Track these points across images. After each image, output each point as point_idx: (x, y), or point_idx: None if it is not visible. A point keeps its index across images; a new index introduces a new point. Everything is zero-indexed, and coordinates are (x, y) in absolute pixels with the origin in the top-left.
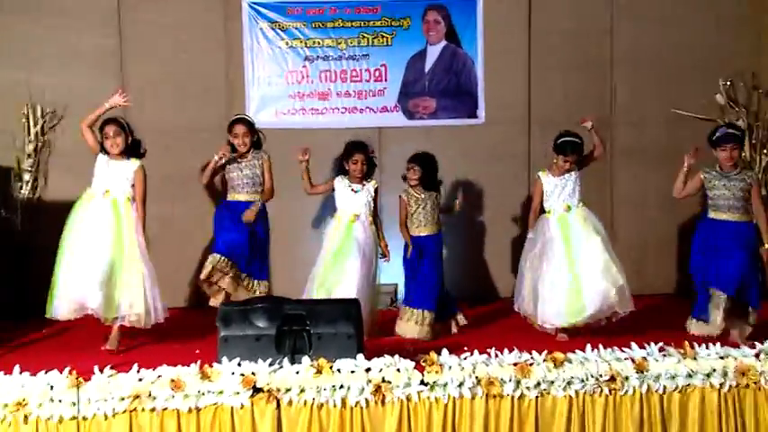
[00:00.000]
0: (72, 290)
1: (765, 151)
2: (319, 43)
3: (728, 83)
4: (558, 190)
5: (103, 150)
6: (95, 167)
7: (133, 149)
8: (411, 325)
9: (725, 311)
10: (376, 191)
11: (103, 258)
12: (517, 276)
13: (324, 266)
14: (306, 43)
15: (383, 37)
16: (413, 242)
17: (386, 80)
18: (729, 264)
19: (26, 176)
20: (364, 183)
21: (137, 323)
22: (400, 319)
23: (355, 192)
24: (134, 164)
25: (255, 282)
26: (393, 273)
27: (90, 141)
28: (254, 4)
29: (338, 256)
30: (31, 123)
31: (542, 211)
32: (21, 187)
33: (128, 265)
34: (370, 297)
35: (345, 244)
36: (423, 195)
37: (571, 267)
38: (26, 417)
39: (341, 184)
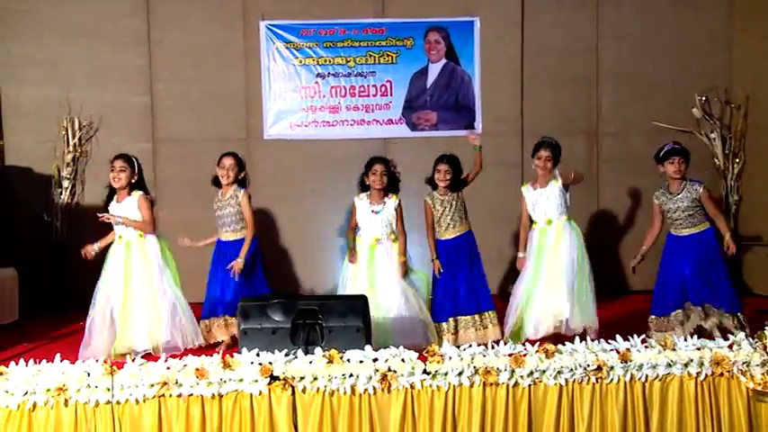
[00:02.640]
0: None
1: (737, 160)
2: (330, 61)
3: (704, 98)
4: (542, 201)
5: (110, 199)
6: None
7: (138, 184)
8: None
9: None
10: (399, 206)
11: (119, 303)
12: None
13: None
14: (318, 61)
15: (388, 56)
16: (445, 246)
17: (391, 95)
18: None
19: (65, 183)
20: (385, 200)
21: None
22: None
23: (376, 213)
24: (135, 195)
25: None
26: None
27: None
28: (271, 25)
29: (372, 295)
30: (70, 135)
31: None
32: (60, 193)
33: (143, 302)
34: (424, 310)
35: (371, 279)
36: (447, 197)
37: (533, 282)
38: (66, 401)
39: (361, 203)
